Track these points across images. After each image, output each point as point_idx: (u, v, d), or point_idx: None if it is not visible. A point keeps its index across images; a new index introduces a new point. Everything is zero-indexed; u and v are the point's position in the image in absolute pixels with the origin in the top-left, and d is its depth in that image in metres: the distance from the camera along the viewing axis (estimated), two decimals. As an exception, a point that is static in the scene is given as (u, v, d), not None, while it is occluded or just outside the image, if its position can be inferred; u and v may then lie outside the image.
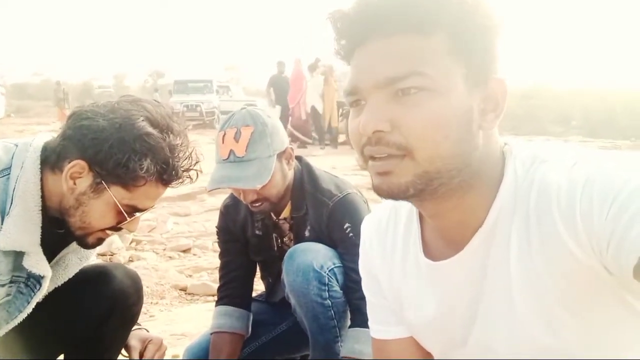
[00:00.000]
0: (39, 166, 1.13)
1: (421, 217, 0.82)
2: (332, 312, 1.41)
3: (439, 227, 0.77)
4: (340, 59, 0.72)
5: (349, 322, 1.46)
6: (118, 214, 1.17)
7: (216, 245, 3.89)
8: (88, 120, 1.12)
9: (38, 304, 1.23)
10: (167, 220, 4.54)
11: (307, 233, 1.53)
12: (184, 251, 3.85)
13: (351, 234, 1.44)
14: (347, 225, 1.44)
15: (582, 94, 17.70)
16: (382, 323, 0.91)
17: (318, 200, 1.50)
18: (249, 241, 1.64)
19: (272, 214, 1.57)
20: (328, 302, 1.40)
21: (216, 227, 1.72)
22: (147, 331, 1.50)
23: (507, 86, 0.68)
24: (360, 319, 1.42)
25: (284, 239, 1.61)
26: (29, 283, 1.20)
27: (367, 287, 0.94)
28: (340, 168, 6.97)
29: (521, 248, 0.68)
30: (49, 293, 1.27)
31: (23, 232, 1.10)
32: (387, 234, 0.87)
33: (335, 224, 1.47)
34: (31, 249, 1.14)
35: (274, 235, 1.62)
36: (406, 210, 0.85)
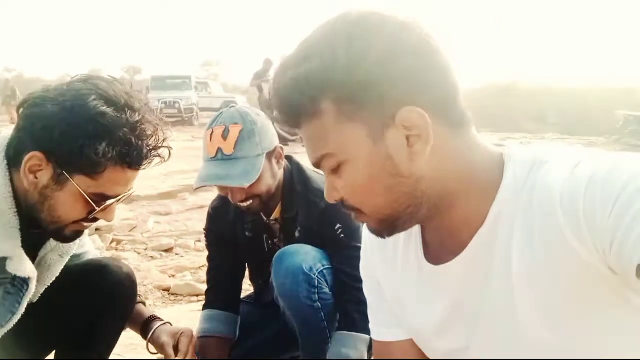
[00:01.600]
0: (6, 166, 1.06)
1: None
2: (322, 314, 1.41)
3: (439, 230, 0.78)
4: None
5: (336, 325, 1.46)
6: (87, 204, 1.09)
7: (199, 244, 3.89)
8: (37, 107, 1.03)
9: (31, 301, 1.20)
10: (148, 220, 4.49)
11: (297, 234, 1.52)
12: (165, 251, 3.80)
13: (342, 235, 1.44)
14: (338, 226, 1.44)
15: (557, 91, 18.00)
16: (384, 325, 0.92)
17: (309, 200, 1.49)
18: (239, 243, 1.63)
19: (262, 215, 1.56)
20: (318, 304, 1.40)
21: (204, 229, 1.71)
22: (170, 324, 1.46)
23: (419, 111, 0.66)
24: (347, 322, 1.42)
25: (275, 240, 1.60)
26: (16, 283, 1.16)
27: (369, 290, 0.95)
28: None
29: (523, 249, 0.68)
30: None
31: (3, 237, 1.06)
32: (387, 239, 0.85)
33: (327, 225, 1.46)
34: (13, 253, 1.10)
35: (265, 236, 1.60)
36: None
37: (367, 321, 1.41)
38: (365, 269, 0.94)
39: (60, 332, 1.35)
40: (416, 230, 0.82)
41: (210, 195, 5.79)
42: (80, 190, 1.06)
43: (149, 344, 1.43)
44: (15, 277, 1.14)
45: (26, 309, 1.20)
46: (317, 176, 1.56)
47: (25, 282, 1.16)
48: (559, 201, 0.63)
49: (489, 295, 0.73)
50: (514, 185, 0.69)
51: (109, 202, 1.12)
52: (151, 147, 1.09)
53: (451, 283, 0.77)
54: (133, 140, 1.05)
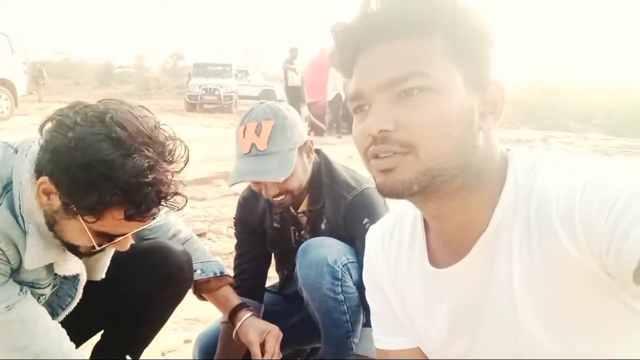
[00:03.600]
0: (35, 180, 1.05)
1: (426, 225, 0.83)
2: (345, 307, 1.42)
3: (442, 232, 0.78)
4: (341, 72, 0.74)
5: (362, 318, 1.47)
6: (95, 237, 1.07)
7: (231, 230, 3.95)
8: (55, 132, 1.00)
9: (94, 280, 1.27)
10: (183, 204, 4.59)
11: (323, 226, 1.54)
12: (198, 235, 3.87)
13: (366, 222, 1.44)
14: (365, 220, 1.44)
15: (606, 92, 17.37)
16: (386, 334, 0.92)
17: (336, 193, 1.50)
18: (267, 233, 1.65)
19: (290, 207, 1.58)
20: (341, 296, 1.41)
21: (234, 218, 1.74)
22: (257, 316, 1.50)
23: (505, 90, 0.70)
24: None
25: (302, 232, 1.62)
26: (69, 277, 1.24)
27: (372, 298, 0.95)
28: (357, 158, 6.96)
29: (522, 253, 0.68)
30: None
31: (44, 247, 1.10)
32: (391, 244, 0.88)
33: (354, 218, 1.47)
34: (57, 258, 1.15)
35: (292, 228, 1.62)
36: (411, 218, 0.86)
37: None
38: (369, 275, 0.94)
39: (114, 309, 1.42)
40: (420, 233, 0.83)
41: (245, 184, 5.85)
42: (85, 226, 1.03)
43: (237, 333, 1.49)
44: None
45: (89, 287, 1.27)
46: (344, 169, 1.57)
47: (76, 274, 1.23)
48: (555, 207, 0.64)
49: (490, 300, 0.74)
50: (515, 190, 0.70)
51: (116, 240, 1.09)
52: (160, 197, 1.02)
53: (454, 287, 0.77)
54: (136, 190, 0.98)
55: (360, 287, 1.45)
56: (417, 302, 0.84)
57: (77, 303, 1.30)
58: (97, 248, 1.10)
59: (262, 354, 1.44)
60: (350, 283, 1.43)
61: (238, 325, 1.49)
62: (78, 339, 1.34)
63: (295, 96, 10.64)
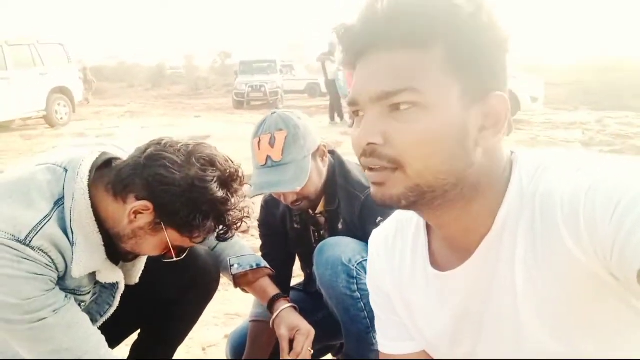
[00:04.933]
0: (88, 195, 1.19)
1: (428, 228, 0.83)
2: (362, 303, 1.44)
3: (445, 236, 0.78)
4: (346, 69, 0.75)
5: None
6: (167, 250, 1.27)
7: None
8: (164, 168, 1.18)
9: (128, 284, 1.40)
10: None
11: (340, 226, 1.57)
12: (242, 232, 3.96)
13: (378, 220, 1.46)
14: (379, 219, 1.46)
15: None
16: (390, 339, 0.93)
17: (350, 193, 1.53)
18: (289, 234, 1.71)
19: (309, 209, 1.63)
20: (357, 294, 1.44)
21: (257, 220, 1.80)
22: (296, 309, 1.57)
23: (509, 103, 0.68)
24: None
25: (321, 232, 1.66)
26: (107, 285, 1.35)
27: (376, 303, 0.96)
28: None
29: (526, 254, 0.68)
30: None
31: (90, 256, 1.20)
32: (394, 248, 0.89)
33: (368, 218, 1.49)
34: (101, 267, 1.26)
35: (312, 228, 1.67)
36: (413, 222, 0.86)
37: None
38: (372, 280, 0.95)
39: (146, 311, 1.53)
40: (423, 237, 0.83)
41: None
42: (169, 241, 1.24)
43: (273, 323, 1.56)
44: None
45: (123, 292, 1.38)
46: (358, 168, 1.59)
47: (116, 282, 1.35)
48: (560, 208, 0.63)
49: (493, 302, 0.73)
50: (519, 192, 0.69)
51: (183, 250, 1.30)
52: (237, 223, 1.28)
53: (457, 289, 0.77)
54: (229, 220, 1.24)
55: None
56: (420, 306, 0.84)
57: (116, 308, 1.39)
58: (175, 258, 1.30)
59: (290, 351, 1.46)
60: (366, 280, 1.45)
61: (275, 315, 1.53)
62: (114, 340, 1.45)
63: (335, 89, 10.63)
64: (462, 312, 0.78)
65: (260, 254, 1.81)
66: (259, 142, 1.49)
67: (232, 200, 1.23)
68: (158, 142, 1.24)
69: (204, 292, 1.56)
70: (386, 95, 0.66)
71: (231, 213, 1.24)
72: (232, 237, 1.32)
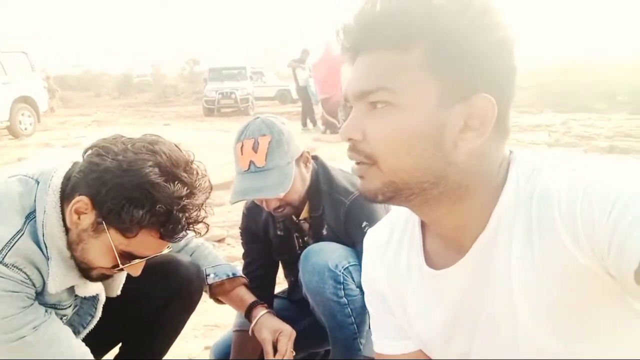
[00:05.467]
0: (59, 208, 1.14)
1: (423, 227, 0.83)
2: (349, 309, 1.44)
3: (440, 234, 0.78)
4: (348, 66, 0.76)
5: (367, 319, 1.49)
6: (115, 258, 1.15)
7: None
8: (99, 157, 1.10)
9: (110, 297, 1.34)
10: (201, 211, 4.63)
11: (324, 232, 1.56)
12: (218, 241, 3.92)
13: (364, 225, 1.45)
14: (365, 224, 1.46)
15: (628, 68, 16.91)
16: (386, 338, 0.93)
17: (334, 199, 1.52)
18: (272, 241, 1.69)
19: (292, 216, 1.61)
20: (344, 300, 1.43)
21: (239, 228, 1.78)
22: (273, 313, 1.55)
23: (495, 104, 0.66)
24: None
25: (305, 238, 1.65)
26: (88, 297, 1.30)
27: (370, 303, 0.95)
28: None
29: (523, 253, 0.68)
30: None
31: (66, 272, 1.16)
32: (389, 247, 0.88)
33: (353, 222, 1.49)
34: (78, 282, 1.21)
35: (295, 235, 1.66)
36: (409, 221, 0.86)
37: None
38: (367, 280, 0.94)
39: (129, 323, 1.48)
40: (417, 236, 0.83)
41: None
42: (112, 244, 1.12)
43: (252, 330, 1.54)
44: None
45: (105, 303, 1.33)
46: (342, 174, 1.59)
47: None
48: (557, 207, 0.64)
49: (489, 301, 0.74)
50: (515, 191, 0.70)
51: (135, 261, 1.18)
52: (189, 222, 1.13)
53: (452, 288, 0.77)
54: (173, 213, 1.09)
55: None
56: (416, 305, 0.84)
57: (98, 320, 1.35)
58: (116, 269, 1.18)
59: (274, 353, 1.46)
60: (352, 286, 1.45)
61: (253, 322, 1.52)
62: (98, 353, 1.39)
63: (307, 95, 10.64)
64: (458, 310, 0.78)
65: (242, 262, 1.78)
66: (242, 147, 1.46)
67: (173, 188, 1.08)
68: (101, 140, 1.16)
69: (188, 302, 1.53)
70: (364, 94, 0.69)
71: (172, 203, 1.08)
72: (183, 237, 1.16)
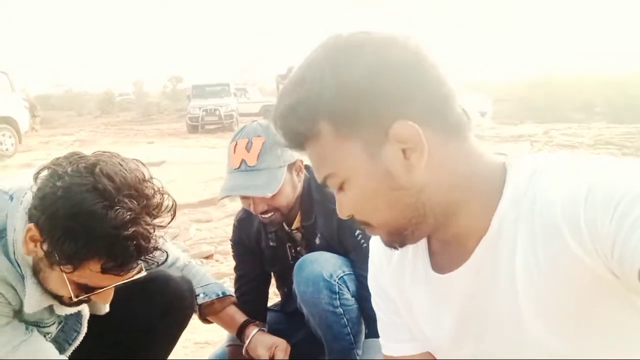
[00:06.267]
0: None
1: None
2: (345, 319, 1.43)
3: (444, 239, 0.78)
4: None
5: (363, 329, 1.48)
6: (75, 288, 1.06)
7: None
8: (44, 180, 1.01)
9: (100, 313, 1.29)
10: (189, 227, 4.60)
11: (317, 241, 1.55)
12: (206, 257, 3.88)
13: (363, 241, 1.46)
14: (358, 232, 1.46)
15: (604, 79, 17.28)
16: (393, 340, 0.93)
17: (327, 207, 1.52)
18: (264, 253, 1.68)
19: (284, 225, 1.60)
20: (340, 310, 1.43)
21: (230, 240, 1.77)
22: (264, 331, 1.54)
23: (410, 124, 0.67)
24: (376, 329, 1.43)
25: (298, 249, 1.64)
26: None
27: (378, 305, 0.95)
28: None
29: (527, 255, 0.68)
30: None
31: (42, 290, 1.11)
32: (394, 252, 0.87)
33: (346, 231, 1.49)
34: (54, 301, 1.16)
35: (288, 245, 1.64)
36: None
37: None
38: (374, 283, 0.94)
39: (119, 340, 1.44)
40: (422, 240, 0.83)
41: (239, 206, 5.84)
42: (65, 276, 1.03)
43: (247, 349, 1.52)
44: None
45: (94, 319, 1.28)
46: None
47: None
48: (560, 208, 0.64)
49: (494, 303, 0.73)
50: (515, 194, 0.70)
51: (96, 292, 1.08)
52: (140, 251, 1.01)
53: (457, 292, 0.77)
54: (116, 243, 0.98)
55: (358, 298, 1.46)
56: (422, 308, 0.84)
57: (86, 337, 1.32)
58: (75, 300, 1.08)
59: None
60: (348, 295, 1.44)
61: (247, 342, 1.52)
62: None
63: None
64: (464, 313, 0.78)
65: (231, 278, 1.77)
66: (235, 146, 1.48)
67: (115, 216, 0.96)
68: (54, 160, 1.06)
69: (179, 318, 1.50)
70: (323, 183, 0.76)
71: (112, 232, 0.96)
72: (134, 269, 1.05)
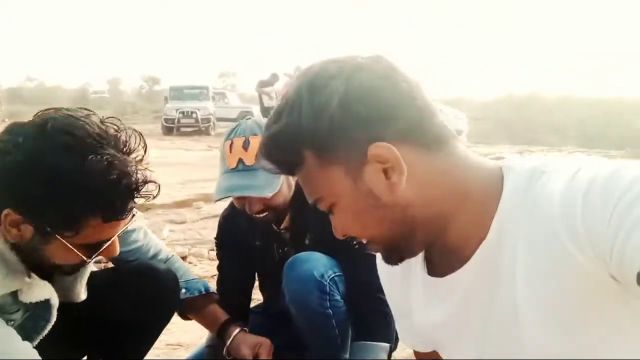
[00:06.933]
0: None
1: None
2: (334, 321, 1.40)
3: (441, 249, 0.79)
4: None
5: (350, 332, 1.45)
6: (82, 251, 1.04)
7: (212, 253, 3.90)
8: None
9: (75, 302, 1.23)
10: (163, 228, 4.52)
11: (307, 241, 1.52)
12: (183, 257, 3.82)
13: (354, 242, 1.43)
14: None
15: (578, 103, 17.84)
16: (415, 343, 0.97)
17: (318, 208, 1.49)
18: (249, 252, 1.63)
19: (272, 224, 1.56)
20: (329, 311, 1.40)
21: (215, 238, 1.72)
22: (246, 330, 1.51)
23: (384, 145, 0.69)
24: (367, 331, 1.41)
25: (285, 249, 1.60)
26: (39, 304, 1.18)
27: (391, 306, 0.99)
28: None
29: (526, 259, 0.68)
30: (94, 286, 1.27)
31: (4, 276, 1.05)
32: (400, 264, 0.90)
33: None
34: (21, 285, 1.10)
35: (275, 245, 1.61)
36: None
37: (387, 330, 1.39)
38: (385, 286, 0.98)
39: (100, 333, 1.37)
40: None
41: (225, 205, 5.84)
42: (67, 243, 1.00)
43: (228, 349, 1.49)
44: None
45: (73, 310, 1.22)
46: None
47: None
48: (559, 211, 0.64)
49: (494, 306, 0.74)
50: (514, 197, 0.70)
51: (104, 246, 1.07)
52: (132, 189, 0.99)
53: (456, 293, 0.78)
54: (106, 189, 0.95)
55: (347, 300, 1.44)
56: (423, 312, 0.85)
57: (62, 328, 1.23)
58: (89, 260, 1.08)
59: None
60: (338, 297, 1.42)
61: (229, 341, 1.48)
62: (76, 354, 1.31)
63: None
64: (464, 316, 0.78)
65: (207, 278, 1.72)
66: (230, 145, 1.43)
67: (89, 164, 0.93)
68: (3, 131, 1.01)
69: (164, 312, 1.44)
70: (316, 207, 0.79)
71: (96, 181, 0.93)
72: (134, 209, 1.03)
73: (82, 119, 0.98)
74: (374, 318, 1.40)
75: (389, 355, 1.41)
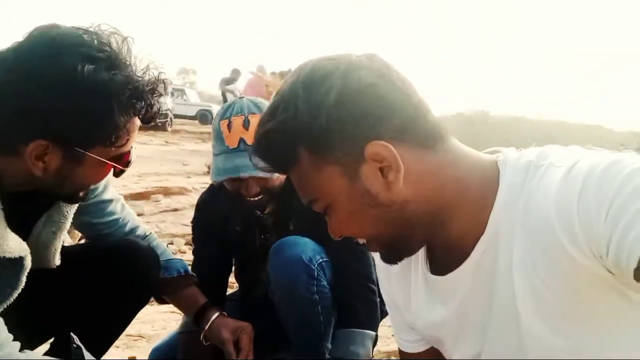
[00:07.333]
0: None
1: None
2: (319, 307, 1.37)
3: (441, 245, 0.79)
4: None
5: (333, 321, 1.43)
6: (110, 167, 1.07)
7: (171, 247, 3.79)
8: (8, 85, 0.92)
9: (53, 272, 1.18)
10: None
11: (291, 226, 1.49)
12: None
13: None
14: None
15: (522, 123, 18.52)
16: (407, 339, 0.96)
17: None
18: (228, 237, 1.58)
19: (256, 209, 1.52)
20: (315, 297, 1.37)
21: (191, 222, 1.66)
22: (225, 315, 1.46)
23: (382, 143, 0.69)
24: (353, 319, 1.39)
25: (267, 235, 1.56)
26: (7, 263, 1.07)
27: (388, 304, 0.98)
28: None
29: (523, 255, 0.68)
30: (69, 260, 1.21)
31: None
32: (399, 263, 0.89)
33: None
34: None
35: (257, 230, 1.56)
36: None
37: (372, 318, 1.38)
38: (383, 285, 0.98)
39: (75, 309, 1.29)
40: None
41: (183, 199, 5.71)
42: (101, 159, 1.02)
43: (205, 334, 1.42)
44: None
45: (47, 284, 1.15)
46: None
47: (19, 259, 1.08)
48: (554, 207, 0.64)
49: (494, 302, 0.74)
50: (511, 192, 0.70)
51: (130, 155, 1.11)
52: (156, 89, 1.03)
53: (457, 292, 0.79)
54: (139, 89, 0.98)
55: (332, 286, 1.42)
56: (423, 310, 0.85)
57: (33, 301, 1.12)
58: (125, 169, 1.10)
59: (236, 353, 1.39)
60: (324, 282, 1.39)
61: (207, 325, 1.42)
62: (35, 340, 1.23)
63: None
64: (465, 312, 0.79)
65: (193, 259, 1.66)
66: (228, 124, 1.38)
67: (117, 68, 0.96)
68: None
69: (143, 291, 1.36)
70: (309, 207, 0.78)
71: (132, 89, 0.97)
72: (160, 107, 1.06)
73: (89, 34, 0.98)
74: (361, 305, 1.38)
75: (374, 344, 1.40)
